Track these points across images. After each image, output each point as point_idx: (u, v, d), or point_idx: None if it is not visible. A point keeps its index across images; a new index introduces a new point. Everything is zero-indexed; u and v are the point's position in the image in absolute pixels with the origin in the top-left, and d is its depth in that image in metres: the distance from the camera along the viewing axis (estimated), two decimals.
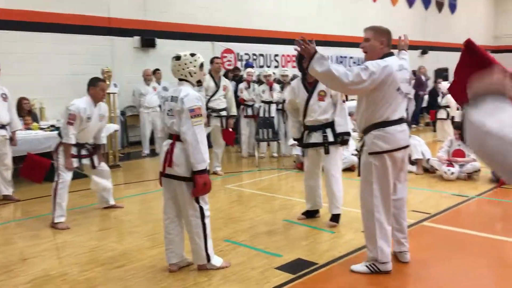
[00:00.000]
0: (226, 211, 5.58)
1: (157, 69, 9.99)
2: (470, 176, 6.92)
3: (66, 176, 5.07)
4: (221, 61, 7.64)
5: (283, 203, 5.95)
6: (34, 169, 5.18)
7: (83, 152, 5.29)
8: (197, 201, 3.65)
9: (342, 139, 4.80)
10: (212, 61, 7.62)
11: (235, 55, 12.76)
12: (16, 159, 6.57)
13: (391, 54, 3.62)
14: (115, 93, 8.54)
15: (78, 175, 5.31)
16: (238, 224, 5.06)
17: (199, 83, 3.79)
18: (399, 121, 3.60)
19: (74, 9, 9.55)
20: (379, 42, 3.57)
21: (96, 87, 5.12)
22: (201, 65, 3.73)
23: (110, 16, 10.16)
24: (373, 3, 16.79)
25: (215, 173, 7.54)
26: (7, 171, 6.18)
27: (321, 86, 4.73)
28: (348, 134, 4.83)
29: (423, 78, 14.44)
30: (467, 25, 20.90)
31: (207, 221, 3.73)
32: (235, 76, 11.16)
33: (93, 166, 5.36)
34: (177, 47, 11.01)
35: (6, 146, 6.12)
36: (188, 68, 3.66)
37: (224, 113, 7.60)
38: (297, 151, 8.06)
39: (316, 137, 4.84)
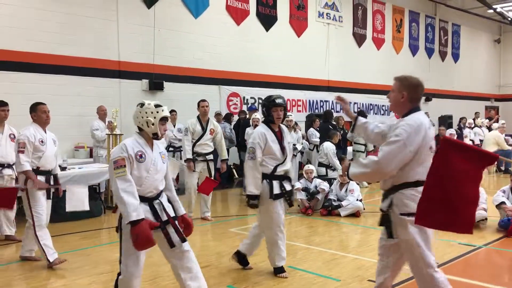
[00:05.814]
0: (230, 256, 5.48)
1: (173, 110, 10.01)
2: (476, 225, 6.82)
3: (41, 216, 5.00)
4: (207, 104, 7.34)
5: (287, 248, 5.83)
6: (2, 196, 5.26)
7: (51, 182, 5.24)
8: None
9: None
10: (198, 104, 7.42)
11: (241, 98, 12.91)
12: (18, 199, 6.54)
13: (416, 109, 3.30)
14: (121, 134, 8.61)
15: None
16: (241, 269, 4.96)
17: (155, 135, 3.50)
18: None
19: (86, 52, 9.78)
20: (401, 95, 3.30)
21: (37, 111, 5.12)
22: (163, 119, 3.51)
23: (120, 60, 10.39)
24: (377, 51, 17.11)
25: (204, 218, 7.38)
26: (10, 211, 6.15)
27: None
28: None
29: None
30: (470, 73, 21.18)
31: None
32: (241, 119, 11.28)
33: (58, 195, 5.36)
34: (185, 90, 11.25)
35: (12, 185, 6.10)
36: (147, 117, 3.46)
37: (210, 156, 7.38)
38: (301, 195, 8.02)
39: None
